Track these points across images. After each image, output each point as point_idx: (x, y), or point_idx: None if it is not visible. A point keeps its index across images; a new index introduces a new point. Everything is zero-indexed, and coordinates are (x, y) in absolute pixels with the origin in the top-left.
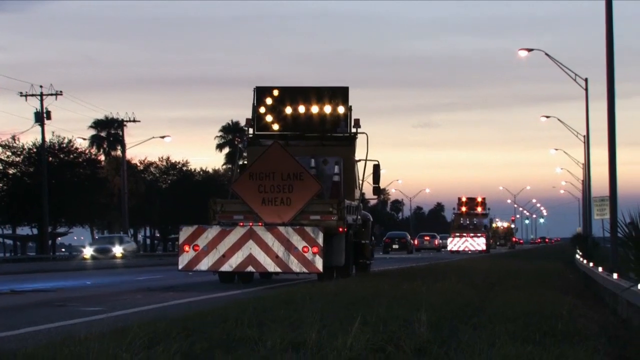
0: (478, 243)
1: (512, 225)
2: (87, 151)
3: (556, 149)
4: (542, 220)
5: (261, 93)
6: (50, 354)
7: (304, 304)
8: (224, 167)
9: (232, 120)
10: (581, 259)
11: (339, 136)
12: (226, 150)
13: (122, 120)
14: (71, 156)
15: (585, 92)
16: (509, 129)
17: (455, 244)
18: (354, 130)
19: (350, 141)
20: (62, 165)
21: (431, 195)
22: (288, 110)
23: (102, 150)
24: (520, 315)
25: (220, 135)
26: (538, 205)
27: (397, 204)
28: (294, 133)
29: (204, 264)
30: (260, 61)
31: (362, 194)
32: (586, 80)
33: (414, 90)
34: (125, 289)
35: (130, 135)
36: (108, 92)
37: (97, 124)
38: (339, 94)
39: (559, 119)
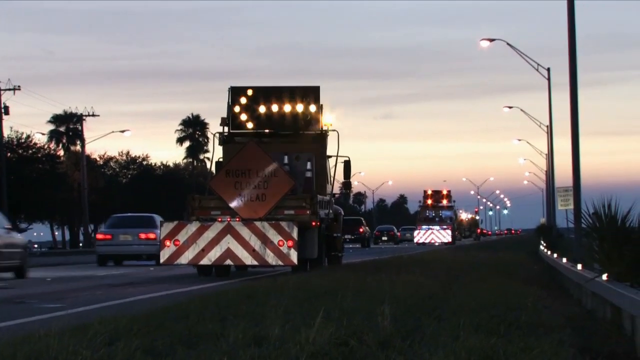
0: (444, 235)
1: (477, 217)
2: (46, 146)
3: (519, 140)
4: (505, 212)
5: (236, 93)
6: (10, 351)
7: (267, 298)
8: (185, 161)
9: (192, 114)
10: (545, 250)
11: (311, 134)
12: (187, 144)
13: (81, 115)
14: (30, 152)
15: (548, 82)
16: (472, 120)
17: (421, 236)
18: (325, 127)
19: (322, 138)
20: (21, 161)
21: (394, 187)
22: (262, 109)
23: (61, 145)
24: (485, 307)
25: (181, 129)
26: (502, 196)
27: (360, 197)
28: (268, 131)
29: (184, 258)
30: (222, 53)
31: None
32: (548, 69)
33: (374, 81)
34: (86, 285)
35: (90, 129)
36: (67, 87)
37: (56, 119)
38: (311, 93)
39: (521, 109)
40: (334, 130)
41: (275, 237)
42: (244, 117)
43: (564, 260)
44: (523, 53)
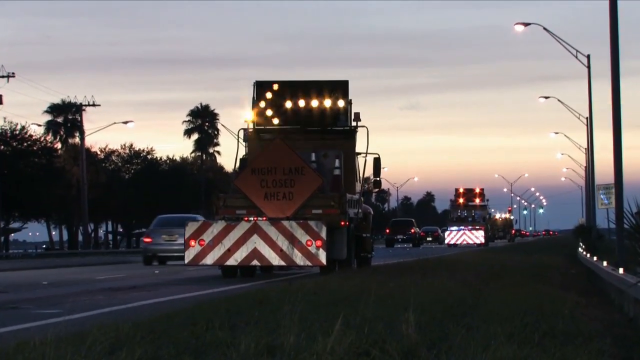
0: (477, 236)
1: (511, 217)
2: (42, 139)
3: (556, 133)
4: (541, 211)
5: (261, 87)
6: None
7: (282, 304)
8: (193, 154)
9: (201, 104)
10: (584, 253)
11: (339, 130)
12: (195, 136)
13: (81, 105)
14: (25, 144)
15: (588, 70)
16: (505, 111)
17: (452, 237)
18: (354, 123)
19: (351, 135)
20: (15, 154)
21: (420, 184)
22: (288, 104)
23: (58, 137)
24: (518, 315)
25: (189, 120)
26: (537, 194)
27: (383, 194)
28: (294, 127)
29: (210, 258)
30: (232, 39)
31: (363, 187)
32: (588, 56)
33: (400, 70)
34: (84, 289)
35: (90, 120)
36: (65, 74)
37: (53, 109)
38: (339, 88)
39: (559, 100)
40: (363, 126)
41: (303, 237)
42: (269, 112)
43: (605, 263)
44: (561, 39)
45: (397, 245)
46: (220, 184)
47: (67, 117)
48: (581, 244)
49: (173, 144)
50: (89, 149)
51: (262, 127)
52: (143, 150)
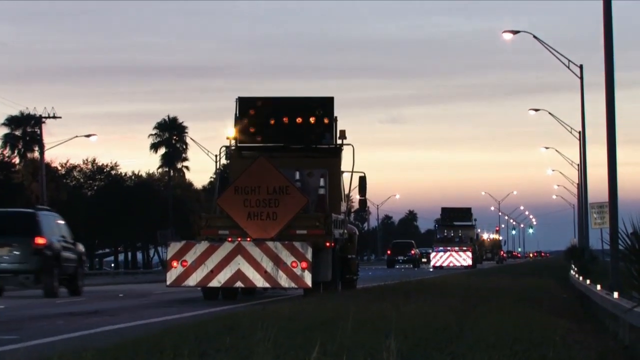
0: (464, 258)
1: (500, 237)
2: None
3: (547, 148)
4: (531, 231)
5: (244, 104)
6: None
7: (255, 330)
8: (160, 170)
9: (168, 116)
10: (576, 276)
11: (324, 148)
12: (162, 150)
13: (40, 117)
14: None
15: (581, 81)
16: (492, 125)
17: (438, 258)
18: (339, 141)
19: (336, 153)
20: None
21: (401, 202)
22: (272, 121)
23: (16, 151)
24: (506, 342)
25: (155, 134)
26: (526, 213)
27: (363, 213)
28: (278, 145)
29: (192, 280)
30: (203, 47)
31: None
32: (581, 67)
33: (381, 80)
34: (44, 313)
35: (50, 134)
36: (23, 84)
37: (11, 121)
38: (324, 105)
39: (549, 113)
40: (348, 144)
41: (288, 258)
42: (252, 129)
43: (598, 287)
44: (552, 47)
45: (397, 266)
46: (189, 201)
47: (25, 130)
48: (573, 266)
49: (139, 159)
50: (49, 164)
51: (245, 145)
52: (107, 166)
